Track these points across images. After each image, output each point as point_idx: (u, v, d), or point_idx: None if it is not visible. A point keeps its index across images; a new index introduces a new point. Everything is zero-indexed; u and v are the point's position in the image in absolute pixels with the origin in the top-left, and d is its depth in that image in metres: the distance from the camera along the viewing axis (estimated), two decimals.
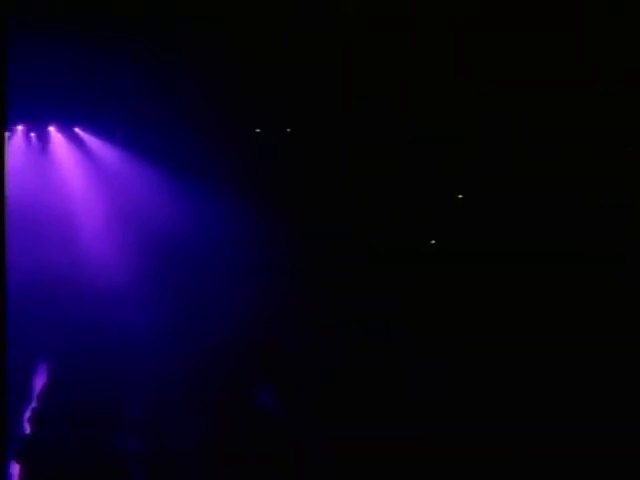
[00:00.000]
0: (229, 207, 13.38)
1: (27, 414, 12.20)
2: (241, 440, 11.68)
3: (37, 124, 14.11)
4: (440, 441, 11.09)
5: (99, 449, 11.70)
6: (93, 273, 13.56)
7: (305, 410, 11.92)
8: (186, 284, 13.44)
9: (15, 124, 14.03)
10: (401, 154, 12.91)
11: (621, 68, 11.48)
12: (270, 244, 13.30)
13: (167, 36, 12.34)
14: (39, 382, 12.72)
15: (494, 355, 11.92)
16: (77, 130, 14.08)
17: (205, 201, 13.48)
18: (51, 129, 14.10)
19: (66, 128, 14.12)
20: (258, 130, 13.55)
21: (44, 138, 14.17)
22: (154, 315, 13.01)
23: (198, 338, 12.78)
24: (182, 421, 12.03)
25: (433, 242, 13.13)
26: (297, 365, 12.54)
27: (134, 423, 12.08)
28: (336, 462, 11.33)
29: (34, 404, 12.40)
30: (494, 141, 12.56)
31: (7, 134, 13.99)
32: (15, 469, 11.61)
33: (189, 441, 11.80)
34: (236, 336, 12.71)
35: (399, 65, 12.05)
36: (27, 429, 12.06)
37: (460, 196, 12.97)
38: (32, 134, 14.18)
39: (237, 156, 13.54)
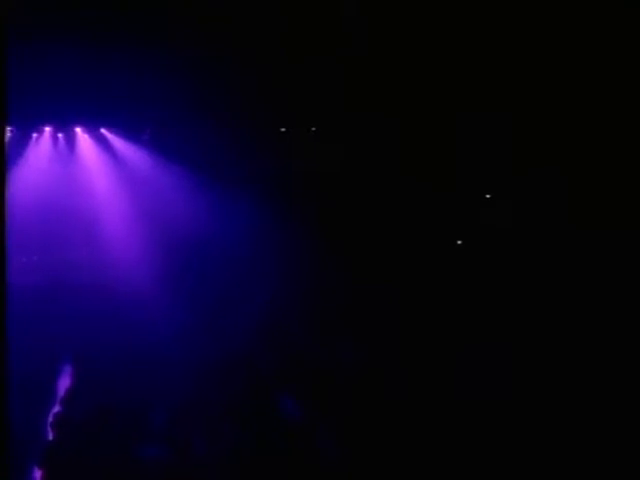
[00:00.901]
0: (253, 209, 13.27)
1: (50, 419, 12.08)
2: (264, 448, 11.48)
3: (64, 125, 14.12)
4: (459, 442, 10.79)
5: (121, 456, 11.53)
6: (118, 274, 13.51)
7: (325, 415, 11.69)
8: (210, 286, 13.34)
9: (43, 125, 14.09)
10: (423, 155, 12.72)
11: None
12: (293, 246, 13.17)
13: (193, 39, 12.21)
14: (63, 386, 12.62)
15: (508, 356, 11.64)
16: (103, 131, 14.05)
17: (229, 202, 13.38)
18: (78, 130, 14.08)
19: (92, 129, 14.11)
20: (283, 129, 13.38)
21: (71, 139, 14.18)
22: (178, 317, 12.91)
23: (221, 342, 12.61)
24: (205, 429, 11.83)
25: (459, 242, 12.91)
26: (316, 369, 12.34)
27: (157, 430, 11.91)
28: (356, 465, 11.08)
29: (57, 408, 12.28)
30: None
31: (34, 135, 14.14)
32: (38, 475, 11.50)
33: (211, 449, 11.61)
34: (258, 341, 12.54)
35: (426, 67, 11.80)
36: (50, 434, 11.94)
37: (488, 196, 12.74)
38: (59, 135, 14.19)
39: (262, 156, 13.41)
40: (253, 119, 13.14)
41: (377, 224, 13.18)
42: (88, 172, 14.07)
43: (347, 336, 12.68)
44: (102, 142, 14.12)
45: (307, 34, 11.26)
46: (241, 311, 12.98)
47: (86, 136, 14.09)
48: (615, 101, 11.03)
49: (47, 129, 14.08)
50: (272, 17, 11.45)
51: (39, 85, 12.62)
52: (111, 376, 12.36)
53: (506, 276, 12.46)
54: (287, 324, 12.93)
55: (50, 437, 11.85)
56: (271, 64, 12.00)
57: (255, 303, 12.97)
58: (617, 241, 11.68)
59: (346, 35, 11.26)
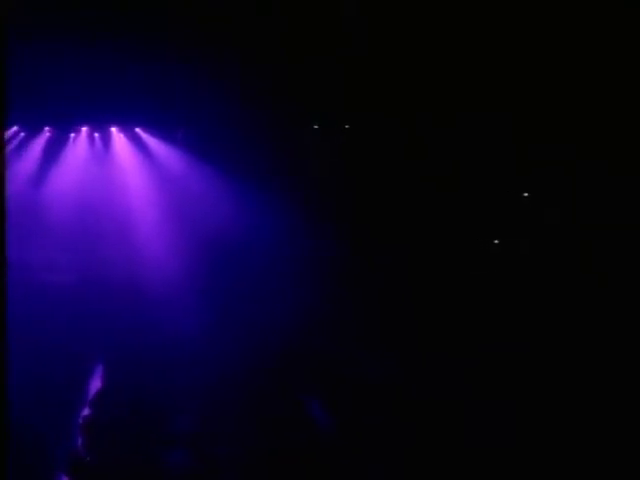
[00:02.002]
0: (287, 210, 13.08)
1: (79, 422, 12.07)
2: (289, 454, 11.27)
3: (101, 125, 14.16)
4: (487, 461, 10.39)
5: (147, 459, 11.47)
6: (150, 273, 13.49)
7: (352, 425, 11.43)
8: (239, 287, 13.24)
9: (80, 125, 14.18)
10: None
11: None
12: (324, 248, 12.97)
13: (225, 38, 12.02)
14: (94, 387, 12.63)
15: (537, 367, 11.17)
16: (138, 130, 14.03)
17: (261, 203, 13.22)
18: (113, 130, 14.09)
19: (127, 128, 14.10)
20: (316, 127, 13.10)
21: (107, 138, 14.21)
22: (208, 318, 12.83)
23: (248, 344, 12.45)
24: (230, 433, 11.68)
25: (496, 241, 12.51)
26: (342, 379, 12.06)
27: (183, 434, 11.81)
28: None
29: (86, 411, 12.27)
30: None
31: (72, 135, 14.23)
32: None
33: (237, 453, 11.47)
34: (285, 346, 12.34)
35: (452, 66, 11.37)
36: (78, 438, 11.93)
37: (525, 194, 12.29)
38: (96, 134, 14.24)
39: (295, 156, 13.18)
40: (286, 119, 12.89)
41: (402, 226, 12.84)
42: (123, 171, 14.08)
43: (375, 344, 12.40)
44: (137, 141, 14.09)
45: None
46: (269, 312, 12.81)
47: (121, 135, 14.08)
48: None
49: (84, 129, 14.13)
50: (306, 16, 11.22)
51: (75, 86, 12.67)
52: (140, 378, 12.30)
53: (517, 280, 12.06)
54: (314, 327, 12.68)
55: (79, 441, 11.87)
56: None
57: (283, 305, 12.78)
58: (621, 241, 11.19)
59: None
